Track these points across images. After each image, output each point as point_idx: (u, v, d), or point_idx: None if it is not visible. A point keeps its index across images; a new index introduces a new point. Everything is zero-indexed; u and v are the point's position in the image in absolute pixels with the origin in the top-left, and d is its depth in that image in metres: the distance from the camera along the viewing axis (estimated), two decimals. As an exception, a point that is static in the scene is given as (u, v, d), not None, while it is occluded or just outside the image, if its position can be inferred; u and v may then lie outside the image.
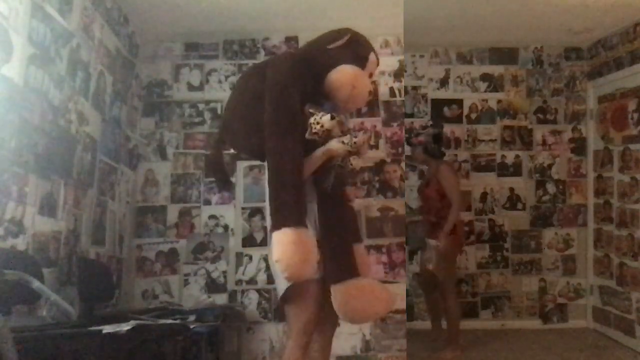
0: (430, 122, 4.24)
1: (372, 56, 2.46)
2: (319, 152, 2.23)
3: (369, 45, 2.49)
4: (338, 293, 2.13)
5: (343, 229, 2.29)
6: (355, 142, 2.22)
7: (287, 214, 2.05)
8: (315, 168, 2.24)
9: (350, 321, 2.41)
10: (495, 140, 4.80)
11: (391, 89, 3.69)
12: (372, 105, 3.65)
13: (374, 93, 3.61)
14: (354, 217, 2.64)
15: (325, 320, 2.34)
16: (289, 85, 2.22)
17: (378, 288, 2.24)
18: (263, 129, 2.22)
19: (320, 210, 2.25)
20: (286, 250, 1.98)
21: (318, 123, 2.19)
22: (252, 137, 2.29)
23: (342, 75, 2.28)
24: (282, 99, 2.20)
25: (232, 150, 3.14)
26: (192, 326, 2.77)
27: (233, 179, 3.59)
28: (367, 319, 2.43)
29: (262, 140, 2.21)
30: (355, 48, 2.38)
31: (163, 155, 3.70)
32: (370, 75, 2.51)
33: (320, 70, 2.30)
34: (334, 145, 2.21)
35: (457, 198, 3.84)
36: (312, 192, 2.27)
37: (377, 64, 2.53)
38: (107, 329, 2.04)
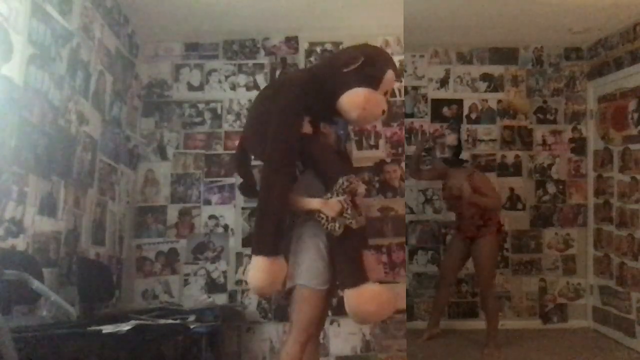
0: (447, 130, 4.22)
1: (388, 74, 2.50)
2: (317, 203, 2.32)
3: (385, 64, 2.51)
4: (352, 297, 2.31)
5: (355, 238, 2.40)
6: (352, 222, 2.31)
7: (264, 244, 2.31)
8: (300, 211, 2.39)
9: (361, 322, 2.70)
10: (495, 140, 4.80)
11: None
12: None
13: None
14: (363, 226, 2.72)
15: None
16: (294, 114, 2.39)
17: (385, 292, 2.42)
18: None
19: None
20: (256, 275, 2.30)
21: (349, 185, 2.33)
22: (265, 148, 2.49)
23: (353, 98, 2.40)
24: (283, 131, 2.36)
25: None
26: (192, 326, 2.76)
27: (237, 179, 3.61)
28: (376, 320, 2.70)
29: None
30: (369, 70, 2.45)
31: (163, 155, 3.70)
32: (386, 93, 2.56)
33: (332, 91, 2.44)
34: (331, 212, 2.28)
35: (498, 197, 4.19)
36: (318, 190, 2.39)
37: (396, 79, 2.62)
38: (107, 329, 2.04)
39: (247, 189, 3.00)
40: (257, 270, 2.29)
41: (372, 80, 2.44)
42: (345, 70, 2.42)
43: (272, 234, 2.31)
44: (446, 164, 4.15)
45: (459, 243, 4.12)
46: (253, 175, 2.94)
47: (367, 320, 2.59)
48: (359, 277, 2.34)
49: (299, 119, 2.39)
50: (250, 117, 2.73)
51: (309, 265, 2.34)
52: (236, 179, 3.46)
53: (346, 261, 2.36)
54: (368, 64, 2.44)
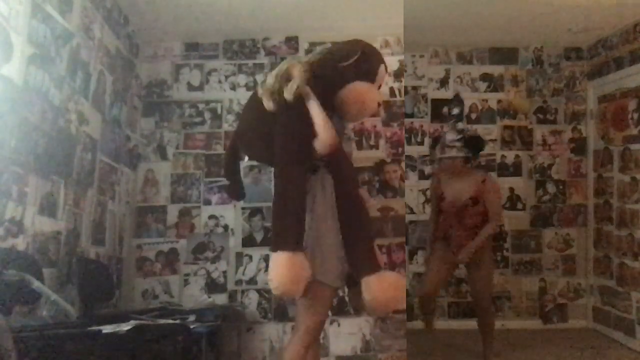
0: (463, 127, 3.92)
1: (381, 68, 2.53)
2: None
3: (379, 58, 2.54)
4: (372, 284, 2.20)
5: (367, 225, 2.37)
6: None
7: (285, 238, 2.17)
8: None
9: (379, 310, 2.44)
10: (495, 140, 4.80)
11: (391, 89, 3.68)
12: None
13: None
14: (369, 216, 2.62)
15: None
16: (303, 106, 2.29)
17: (399, 279, 2.38)
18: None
19: (342, 209, 2.31)
20: (279, 273, 2.11)
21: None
22: (267, 148, 2.37)
23: (353, 93, 2.37)
24: (295, 124, 2.26)
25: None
26: (192, 326, 2.77)
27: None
28: (394, 308, 2.47)
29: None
30: (366, 64, 2.45)
31: (163, 155, 3.70)
32: (379, 86, 2.57)
33: (331, 87, 2.39)
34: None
35: (499, 216, 3.65)
36: (330, 185, 2.32)
37: (386, 71, 2.60)
38: (107, 329, 2.05)
39: (235, 192, 2.84)
40: (279, 267, 2.12)
41: (368, 73, 2.44)
42: (342, 64, 2.41)
43: (293, 227, 2.19)
44: (466, 164, 3.57)
45: (443, 253, 3.61)
46: (241, 178, 2.84)
47: (387, 307, 2.38)
48: (376, 263, 2.29)
49: (307, 112, 2.31)
50: (248, 119, 2.60)
51: (327, 260, 2.26)
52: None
53: (360, 249, 2.29)
54: (364, 58, 2.45)
